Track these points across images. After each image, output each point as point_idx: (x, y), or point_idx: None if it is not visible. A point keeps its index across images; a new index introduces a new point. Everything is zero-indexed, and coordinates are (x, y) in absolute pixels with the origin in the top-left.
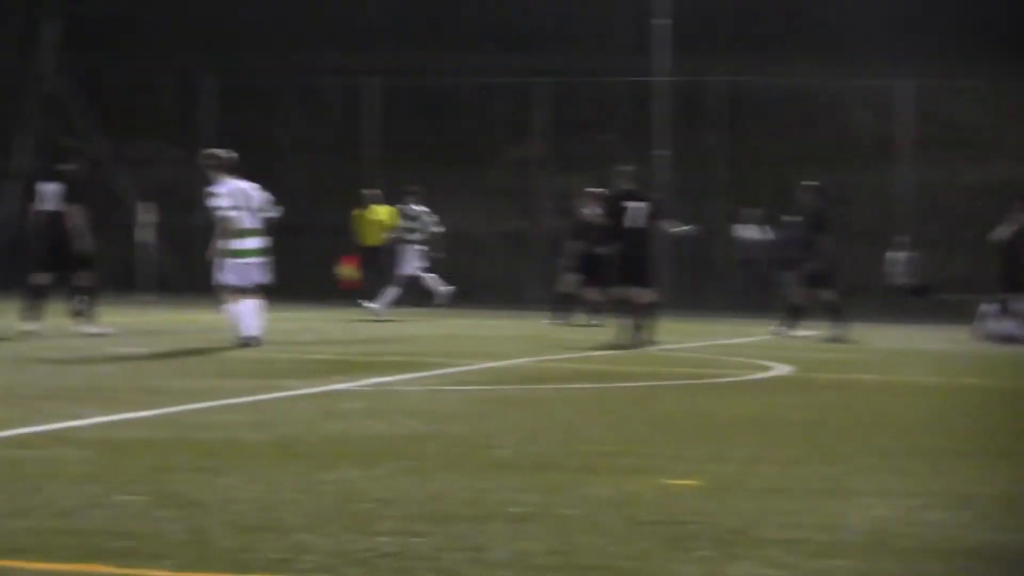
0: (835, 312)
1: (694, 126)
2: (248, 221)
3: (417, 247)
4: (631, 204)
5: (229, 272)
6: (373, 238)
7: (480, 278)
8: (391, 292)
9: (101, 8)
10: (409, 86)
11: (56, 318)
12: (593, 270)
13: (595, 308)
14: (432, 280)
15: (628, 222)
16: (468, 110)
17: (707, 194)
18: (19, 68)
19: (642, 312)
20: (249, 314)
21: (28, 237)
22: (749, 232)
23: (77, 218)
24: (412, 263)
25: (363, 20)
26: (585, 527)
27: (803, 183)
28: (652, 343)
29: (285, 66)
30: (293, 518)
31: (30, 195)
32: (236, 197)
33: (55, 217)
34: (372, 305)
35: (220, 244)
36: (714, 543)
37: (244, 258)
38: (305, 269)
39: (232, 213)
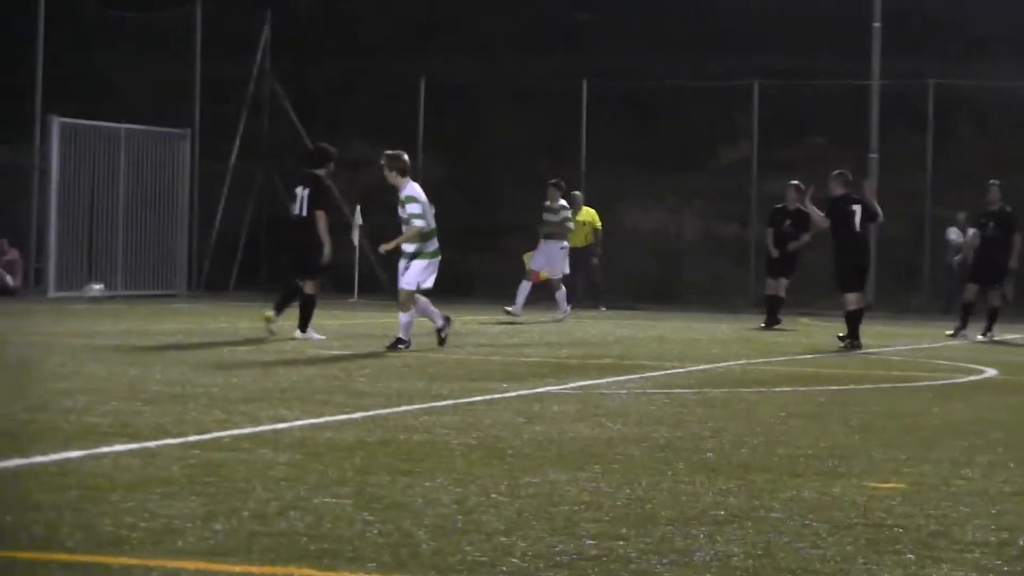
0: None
1: (902, 128)
2: (431, 223)
3: (565, 245)
4: (851, 208)
5: (415, 274)
6: (579, 239)
7: (689, 281)
8: (562, 293)
9: (310, 10)
10: (619, 88)
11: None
12: (790, 269)
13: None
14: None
15: (855, 225)
16: (678, 113)
17: (915, 197)
18: (232, 70)
19: (853, 316)
20: (429, 305)
21: (284, 242)
22: (957, 235)
23: (323, 223)
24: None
25: (573, 22)
26: (787, 530)
27: (991, 182)
28: (858, 347)
29: (494, 68)
30: (496, 520)
31: (262, 199)
32: (423, 200)
33: (305, 222)
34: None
35: (405, 247)
36: (915, 546)
37: (430, 260)
38: (512, 271)
39: (423, 219)
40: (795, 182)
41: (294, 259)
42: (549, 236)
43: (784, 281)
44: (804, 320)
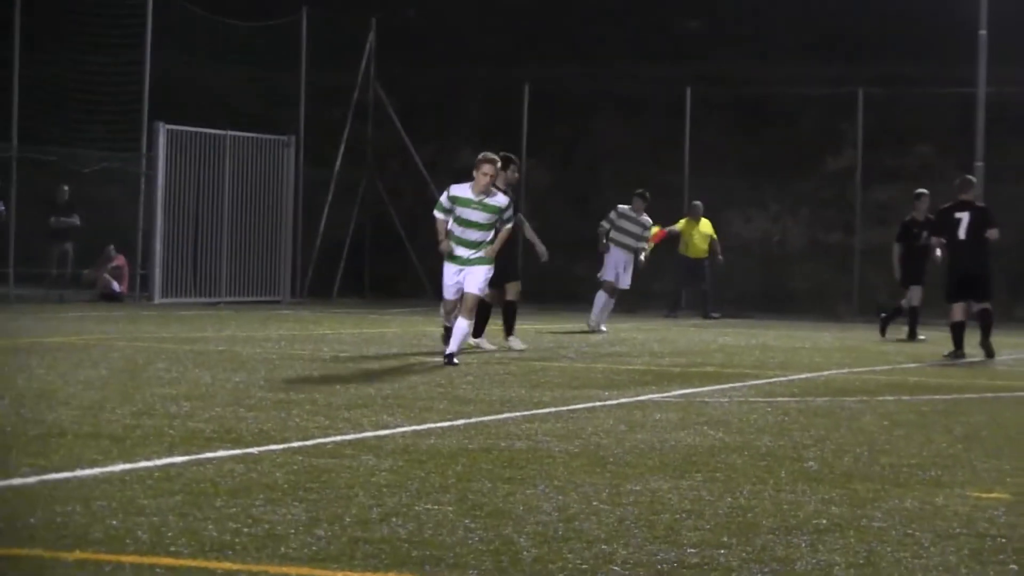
0: None
1: (1008, 136)
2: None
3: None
4: (960, 215)
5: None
6: (696, 250)
7: (795, 289)
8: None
9: (416, 17)
10: (723, 96)
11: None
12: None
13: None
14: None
15: (960, 234)
16: (783, 120)
17: (1022, 205)
18: (337, 77)
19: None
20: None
21: None
22: None
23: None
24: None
25: (679, 29)
26: (890, 539)
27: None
28: (961, 356)
29: (599, 75)
30: (597, 528)
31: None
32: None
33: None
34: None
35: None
36: (1019, 556)
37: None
38: None
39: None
40: (923, 191)
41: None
42: (624, 245)
43: (919, 289)
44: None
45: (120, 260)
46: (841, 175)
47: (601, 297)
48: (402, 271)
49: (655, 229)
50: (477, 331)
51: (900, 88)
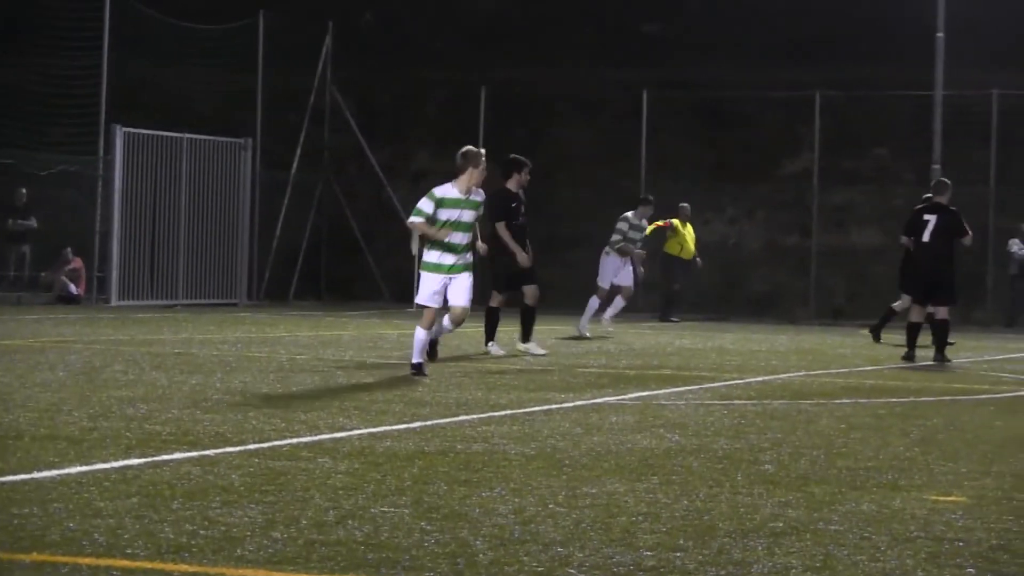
0: None
1: (965, 139)
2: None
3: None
4: (928, 217)
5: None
6: (690, 251)
7: (752, 292)
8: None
9: (372, 20)
10: (681, 99)
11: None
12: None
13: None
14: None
15: (925, 236)
16: (740, 123)
17: (978, 208)
18: (294, 81)
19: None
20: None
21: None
22: (1020, 247)
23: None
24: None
25: (637, 33)
26: (847, 543)
27: None
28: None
29: (556, 78)
30: (553, 531)
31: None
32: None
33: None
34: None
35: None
36: (976, 560)
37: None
38: (575, 280)
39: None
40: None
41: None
42: (623, 251)
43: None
44: (864, 331)
45: (77, 263)
46: (798, 178)
47: (594, 303)
48: (358, 274)
49: (653, 225)
50: (488, 336)
51: (858, 91)
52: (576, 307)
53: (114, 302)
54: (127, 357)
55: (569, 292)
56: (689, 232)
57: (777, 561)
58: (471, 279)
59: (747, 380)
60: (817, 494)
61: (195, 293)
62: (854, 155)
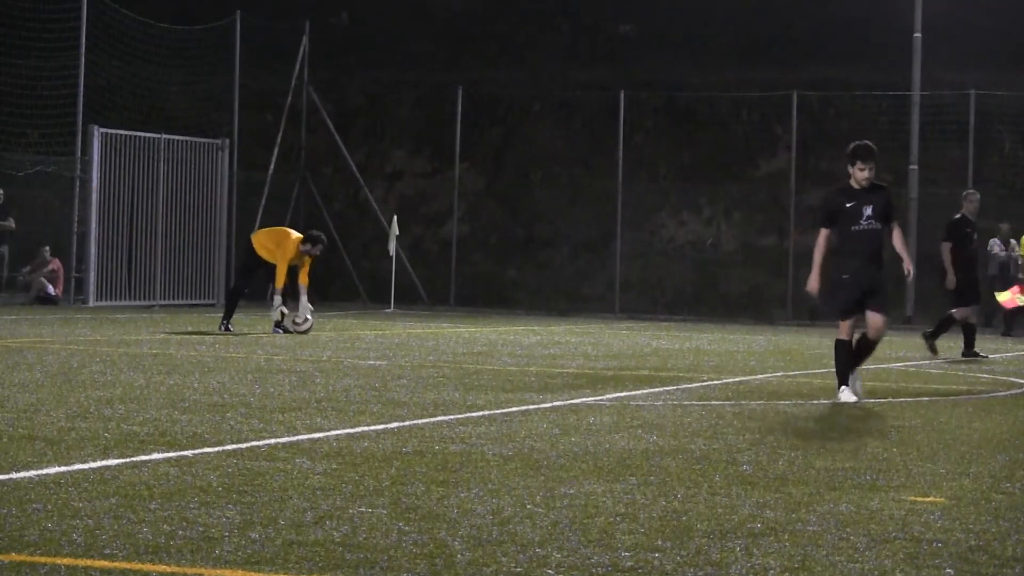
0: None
1: (943, 140)
2: None
3: None
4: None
5: None
6: None
7: (729, 292)
8: None
9: (349, 21)
10: (657, 99)
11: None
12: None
13: None
14: None
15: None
16: (717, 124)
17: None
18: (271, 82)
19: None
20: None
21: None
22: (999, 248)
23: None
24: None
25: (613, 34)
26: (824, 543)
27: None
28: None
29: (532, 79)
30: (531, 532)
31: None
32: None
33: None
34: None
35: None
36: (955, 560)
37: None
38: (552, 283)
39: None
40: (972, 190)
41: None
42: None
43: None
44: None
45: (55, 263)
46: (775, 178)
47: None
48: (335, 274)
49: None
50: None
51: (834, 91)
52: (553, 309)
53: (92, 303)
54: (105, 358)
55: (542, 292)
56: None
57: (755, 562)
58: None
59: (725, 381)
60: (795, 495)
61: (173, 294)
62: (831, 156)
